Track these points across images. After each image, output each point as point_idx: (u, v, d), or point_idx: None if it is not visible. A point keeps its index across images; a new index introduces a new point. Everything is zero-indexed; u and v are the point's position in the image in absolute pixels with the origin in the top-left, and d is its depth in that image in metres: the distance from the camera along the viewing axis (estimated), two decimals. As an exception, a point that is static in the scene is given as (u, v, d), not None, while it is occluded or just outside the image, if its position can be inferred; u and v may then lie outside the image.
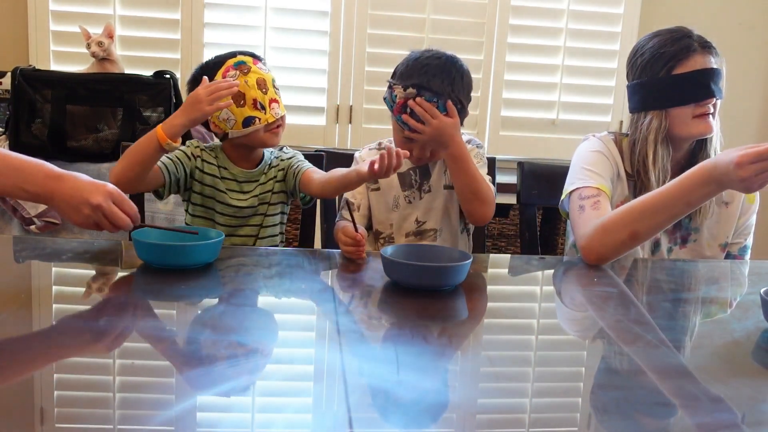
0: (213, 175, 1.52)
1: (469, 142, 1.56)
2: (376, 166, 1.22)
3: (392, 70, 1.50)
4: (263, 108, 1.45)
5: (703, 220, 1.52)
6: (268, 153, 1.60)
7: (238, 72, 1.46)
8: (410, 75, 1.41)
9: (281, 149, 1.62)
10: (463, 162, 1.42)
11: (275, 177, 1.56)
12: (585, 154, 1.52)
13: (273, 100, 1.47)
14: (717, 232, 1.55)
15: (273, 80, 1.51)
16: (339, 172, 1.39)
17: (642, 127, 1.47)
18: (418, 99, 1.39)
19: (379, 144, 1.61)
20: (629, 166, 1.52)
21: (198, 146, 1.54)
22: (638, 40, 1.53)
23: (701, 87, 1.40)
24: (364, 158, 1.58)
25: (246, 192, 1.54)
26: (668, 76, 1.43)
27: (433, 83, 1.40)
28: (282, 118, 1.51)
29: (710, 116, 1.42)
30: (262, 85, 1.45)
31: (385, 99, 1.49)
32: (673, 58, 1.42)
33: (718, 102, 1.44)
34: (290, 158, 1.58)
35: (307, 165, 1.55)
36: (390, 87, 1.46)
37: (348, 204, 1.40)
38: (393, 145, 1.58)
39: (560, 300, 1.24)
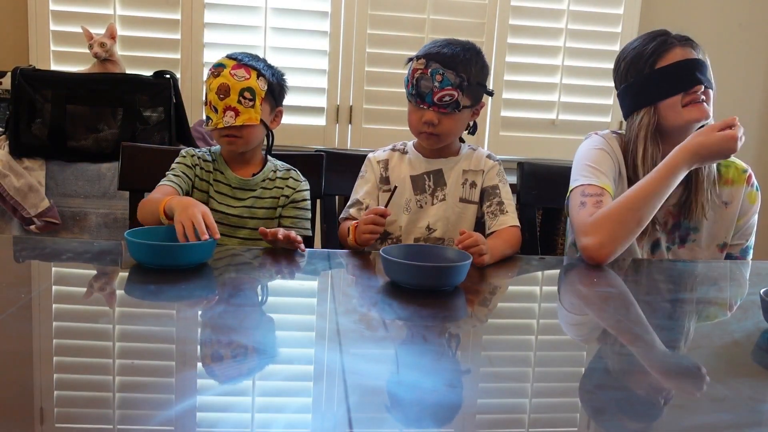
0: (206, 181, 1.53)
1: (489, 157, 1.56)
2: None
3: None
4: (216, 112, 1.46)
5: (702, 220, 1.52)
6: (270, 165, 1.58)
7: (210, 72, 1.48)
8: (426, 49, 1.46)
9: (290, 173, 1.58)
10: (504, 257, 1.41)
11: (274, 196, 1.55)
12: (588, 152, 1.51)
13: (230, 108, 1.44)
14: (716, 232, 1.55)
15: (248, 89, 1.45)
16: None
17: (634, 125, 1.48)
18: (464, 238, 1.31)
19: (393, 146, 1.61)
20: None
21: (194, 155, 1.54)
22: (622, 47, 1.54)
23: (685, 76, 1.41)
24: (379, 159, 1.58)
25: (238, 199, 1.53)
26: (652, 72, 1.44)
27: (443, 54, 1.43)
28: (237, 129, 1.46)
29: (702, 103, 1.42)
30: (222, 90, 1.44)
31: (406, 77, 1.50)
32: (654, 54, 1.44)
33: (710, 92, 1.44)
34: (298, 201, 1.56)
35: (301, 231, 1.53)
36: (408, 64, 1.49)
37: (393, 189, 1.41)
38: (408, 140, 1.58)
39: (560, 300, 1.24)
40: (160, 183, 1.48)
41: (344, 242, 1.47)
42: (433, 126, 1.46)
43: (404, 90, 1.50)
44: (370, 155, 1.61)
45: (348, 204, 1.58)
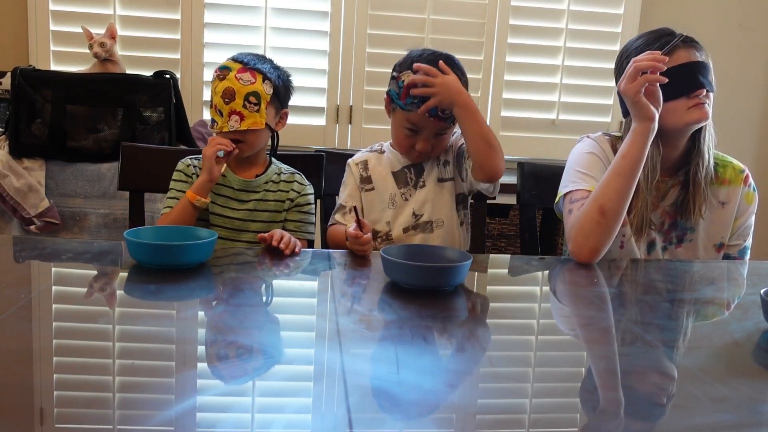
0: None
1: (453, 135, 1.58)
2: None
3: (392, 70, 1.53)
4: (221, 115, 1.46)
5: (699, 220, 1.52)
6: (275, 167, 1.57)
7: (216, 75, 1.47)
8: (415, 62, 1.46)
9: (294, 176, 1.58)
10: (473, 112, 1.43)
11: (278, 199, 1.55)
12: (578, 156, 1.52)
13: (235, 112, 1.44)
14: (712, 232, 1.55)
15: (253, 94, 1.44)
16: None
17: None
18: (416, 65, 1.42)
19: (371, 149, 1.63)
20: None
21: (189, 164, 1.53)
22: (623, 45, 1.54)
23: (689, 79, 1.40)
24: (357, 162, 1.59)
25: (241, 201, 1.52)
26: None
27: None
28: (242, 133, 1.46)
29: (704, 105, 1.42)
30: (227, 94, 1.43)
31: (390, 92, 1.50)
32: None
33: (711, 95, 1.44)
34: (303, 205, 1.57)
35: (304, 235, 1.55)
36: (395, 78, 1.49)
37: (355, 209, 1.39)
38: (392, 143, 1.59)
39: (560, 300, 1.24)
40: (162, 211, 1.51)
41: (339, 246, 1.47)
42: (428, 154, 1.52)
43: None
44: (349, 160, 1.63)
45: (334, 210, 1.59)
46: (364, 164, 1.59)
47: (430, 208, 1.55)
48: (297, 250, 1.32)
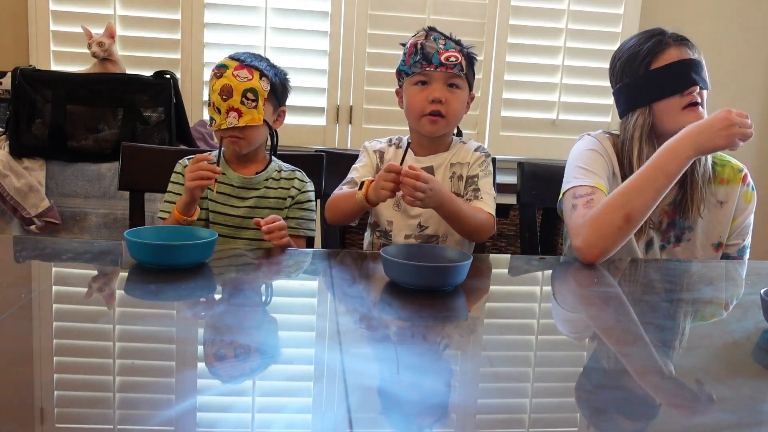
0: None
1: (477, 149, 1.55)
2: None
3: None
4: (219, 113, 1.46)
5: (697, 219, 1.52)
6: (275, 165, 1.57)
7: (213, 73, 1.49)
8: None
9: (295, 173, 1.58)
10: (456, 212, 1.40)
11: (279, 197, 1.55)
12: (580, 153, 1.52)
13: (233, 109, 1.44)
14: (711, 231, 1.55)
15: (251, 90, 1.45)
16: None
17: (629, 126, 1.48)
18: (405, 172, 1.31)
19: (390, 140, 1.60)
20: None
21: (186, 165, 1.52)
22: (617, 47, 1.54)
23: (681, 77, 1.41)
24: (375, 149, 1.57)
25: (241, 198, 1.52)
26: (647, 72, 1.44)
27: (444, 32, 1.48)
28: (240, 129, 1.46)
29: (698, 106, 1.42)
30: (225, 92, 1.44)
31: (398, 68, 1.51)
32: (649, 54, 1.44)
33: (705, 93, 1.44)
34: (303, 202, 1.57)
35: (306, 232, 1.56)
36: (404, 47, 1.51)
37: (408, 143, 1.40)
38: (409, 121, 1.58)
39: (560, 300, 1.24)
40: (159, 214, 1.52)
41: (339, 208, 1.46)
42: (441, 104, 1.44)
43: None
44: (366, 143, 1.60)
45: (343, 182, 1.55)
46: (381, 154, 1.56)
47: (436, 222, 1.52)
48: (284, 241, 1.35)
